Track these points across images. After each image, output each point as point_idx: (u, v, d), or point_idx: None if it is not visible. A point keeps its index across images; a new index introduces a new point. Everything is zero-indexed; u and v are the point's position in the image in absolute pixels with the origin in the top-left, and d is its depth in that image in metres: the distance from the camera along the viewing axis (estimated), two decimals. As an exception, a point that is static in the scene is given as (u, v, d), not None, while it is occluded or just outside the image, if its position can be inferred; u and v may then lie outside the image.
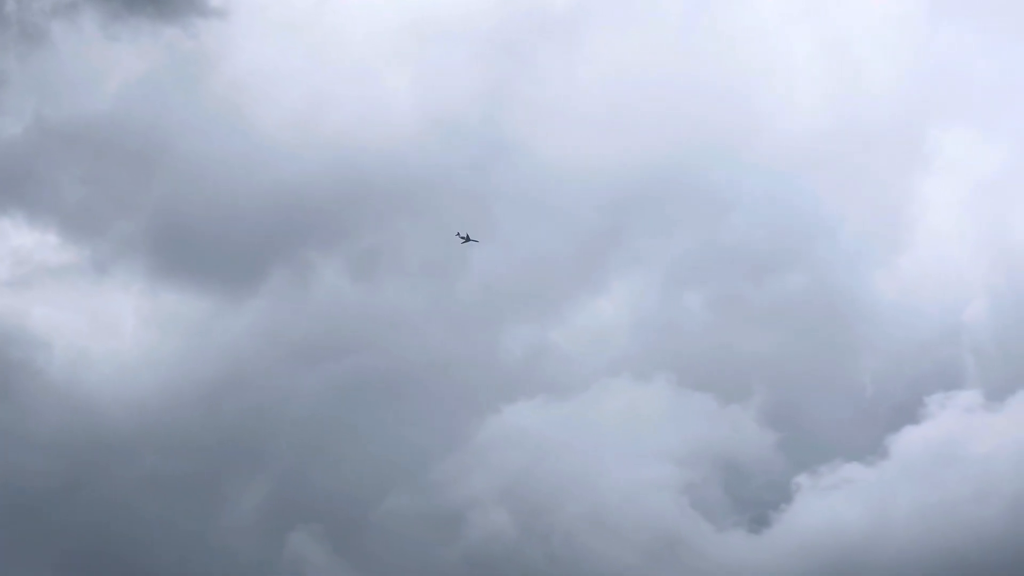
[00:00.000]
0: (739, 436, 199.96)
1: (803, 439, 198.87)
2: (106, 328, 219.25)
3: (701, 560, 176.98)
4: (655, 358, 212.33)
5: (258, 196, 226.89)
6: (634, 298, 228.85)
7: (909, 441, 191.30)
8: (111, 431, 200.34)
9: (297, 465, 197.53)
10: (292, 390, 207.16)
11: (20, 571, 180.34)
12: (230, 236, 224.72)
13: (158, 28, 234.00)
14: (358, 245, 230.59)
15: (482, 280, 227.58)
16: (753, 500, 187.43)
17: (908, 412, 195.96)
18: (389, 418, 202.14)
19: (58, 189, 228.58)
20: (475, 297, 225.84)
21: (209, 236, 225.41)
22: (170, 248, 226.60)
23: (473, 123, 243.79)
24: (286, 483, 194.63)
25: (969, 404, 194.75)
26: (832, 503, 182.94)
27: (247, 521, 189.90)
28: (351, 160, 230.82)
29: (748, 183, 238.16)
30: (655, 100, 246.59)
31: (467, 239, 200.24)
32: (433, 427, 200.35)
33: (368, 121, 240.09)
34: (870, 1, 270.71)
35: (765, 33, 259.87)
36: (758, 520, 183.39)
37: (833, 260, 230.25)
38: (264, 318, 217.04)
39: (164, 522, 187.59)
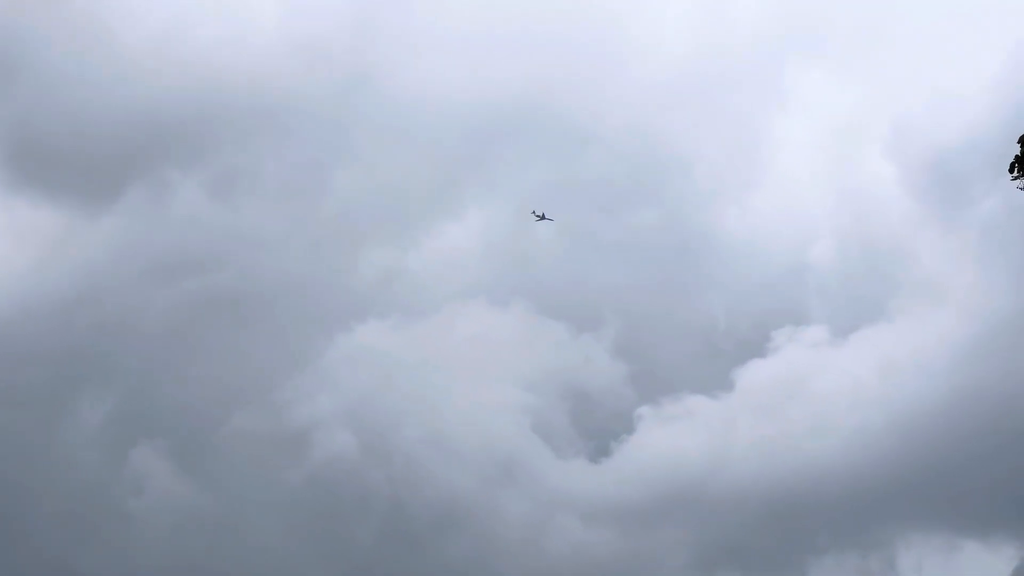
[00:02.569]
0: (590, 366, 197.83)
1: (652, 371, 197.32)
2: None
3: (540, 486, 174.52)
4: (510, 285, 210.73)
5: (118, 112, 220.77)
6: (490, 226, 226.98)
7: (754, 375, 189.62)
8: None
9: (145, 381, 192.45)
10: (145, 306, 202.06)
11: None
12: (88, 151, 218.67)
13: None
14: (217, 165, 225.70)
15: (341, 204, 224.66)
16: (597, 429, 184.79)
17: (755, 347, 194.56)
18: (240, 337, 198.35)
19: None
20: (334, 220, 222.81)
21: (66, 151, 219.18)
22: (26, 161, 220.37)
23: (337, 49, 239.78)
24: (132, 398, 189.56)
25: (814, 340, 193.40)
26: (674, 434, 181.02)
27: (91, 435, 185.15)
28: (213, 81, 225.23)
29: (608, 118, 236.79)
30: (520, 32, 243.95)
31: (543, 217, 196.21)
32: (283, 346, 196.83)
33: (232, 42, 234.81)
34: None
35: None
36: (599, 449, 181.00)
37: (686, 197, 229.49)
38: (120, 234, 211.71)
39: (8, 432, 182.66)
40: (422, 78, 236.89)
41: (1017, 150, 35.31)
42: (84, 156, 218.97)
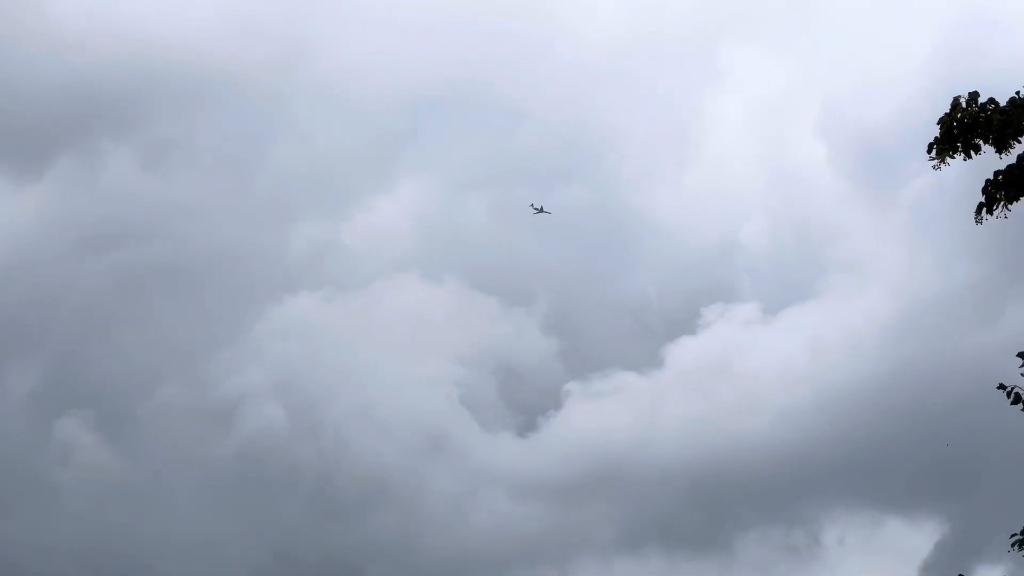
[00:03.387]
0: (520, 341, 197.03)
1: (582, 347, 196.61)
2: None
3: (468, 460, 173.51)
4: (443, 260, 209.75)
5: (49, 83, 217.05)
6: (422, 201, 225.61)
7: (684, 352, 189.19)
8: None
9: (72, 351, 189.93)
10: (74, 277, 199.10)
11: None
12: (19, 122, 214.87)
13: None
14: (150, 136, 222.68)
15: (275, 177, 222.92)
16: (526, 405, 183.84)
17: (684, 324, 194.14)
18: (170, 308, 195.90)
19: None
20: (267, 193, 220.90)
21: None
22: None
23: (273, 22, 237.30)
24: (60, 369, 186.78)
25: (744, 317, 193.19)
26: (602, 410, 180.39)
27: (17, 405, 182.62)
28: (148, 52, 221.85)
29: (541, 95, 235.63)
30: (455, 9, 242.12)
31: (540, 210, 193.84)
32: (214, 319, 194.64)
33: (167, 14, 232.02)
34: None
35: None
36: (527, 424, 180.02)
37: (619, 175, 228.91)
38: (50, 203, 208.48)
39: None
40: (357, 53, 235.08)
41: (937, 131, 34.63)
42: (15, 126, 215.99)
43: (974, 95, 34.09)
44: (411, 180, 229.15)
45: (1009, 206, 34.61)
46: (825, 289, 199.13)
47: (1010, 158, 34.86)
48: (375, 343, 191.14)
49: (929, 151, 35.03)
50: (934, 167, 34.60)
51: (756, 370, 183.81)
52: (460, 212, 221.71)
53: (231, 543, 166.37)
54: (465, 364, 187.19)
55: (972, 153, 34.74)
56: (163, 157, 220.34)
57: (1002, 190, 34.55)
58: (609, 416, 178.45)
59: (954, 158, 35.03)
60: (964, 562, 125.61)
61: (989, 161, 35.38)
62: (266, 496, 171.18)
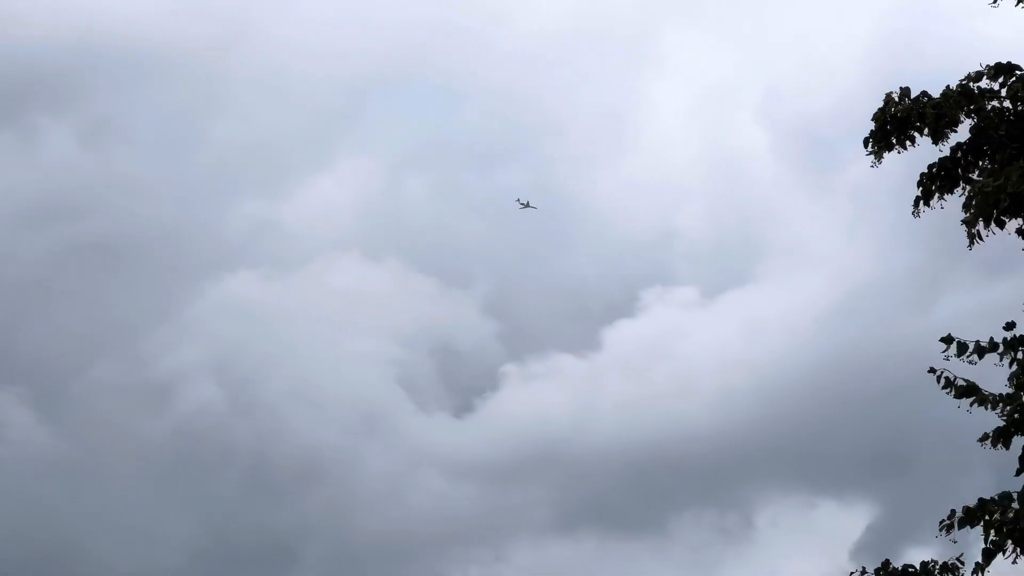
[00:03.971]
0: (459, 322, 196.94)
1: (520, 329, 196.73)
2: None
3: (403, 440, 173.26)
4: (383, 240, 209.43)
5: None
6: (362, 180, 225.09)
7: (622, 335, 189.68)
8: None
9: (7, 327, 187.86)
10: (11, 252, 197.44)
11: None
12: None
13: None
14: (89, 112, 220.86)
15: (215, 154, 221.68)
16: (463, 386, 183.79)
17: (623, 307, 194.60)
18: (107, 285, 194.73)
19: None
20: (206, 170, 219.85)
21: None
22: None
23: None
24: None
25: (683, 301, 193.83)
26: (539, 392, 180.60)
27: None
28: (87, 27, 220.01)
29: (483, 77, 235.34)
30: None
31: (527, 205, 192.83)
32: (150, 296, 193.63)
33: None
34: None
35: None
36: (464, 406, 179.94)
37: (559, 158, 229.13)
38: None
39: None
40: (299, 32, 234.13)
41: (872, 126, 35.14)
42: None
43: (905, 90, 34.50)
44: (352, 160, 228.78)
45: (945, 197, 35.04)
46: (763, 274, 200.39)
47: (945, 150, 35.27)
48: (313, 322, 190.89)
49: (865, 146, 35.46)
50: (871, 164, 35.07)
51: (693, 353, 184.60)
52: (400, 193, 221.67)
53: (165, 521, 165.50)
54: (403, 344, 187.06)
55: (907, 145, 35.12)
56: (101, 134, 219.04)
57: (937, 182, 34.95)
58: (546, 398, 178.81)
59: (890, 152, 35.43)
60: (894, 544, 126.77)
61: (926, 151, 35.84)
62: (201, 474, 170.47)
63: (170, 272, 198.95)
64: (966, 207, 32.74)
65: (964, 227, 33.19)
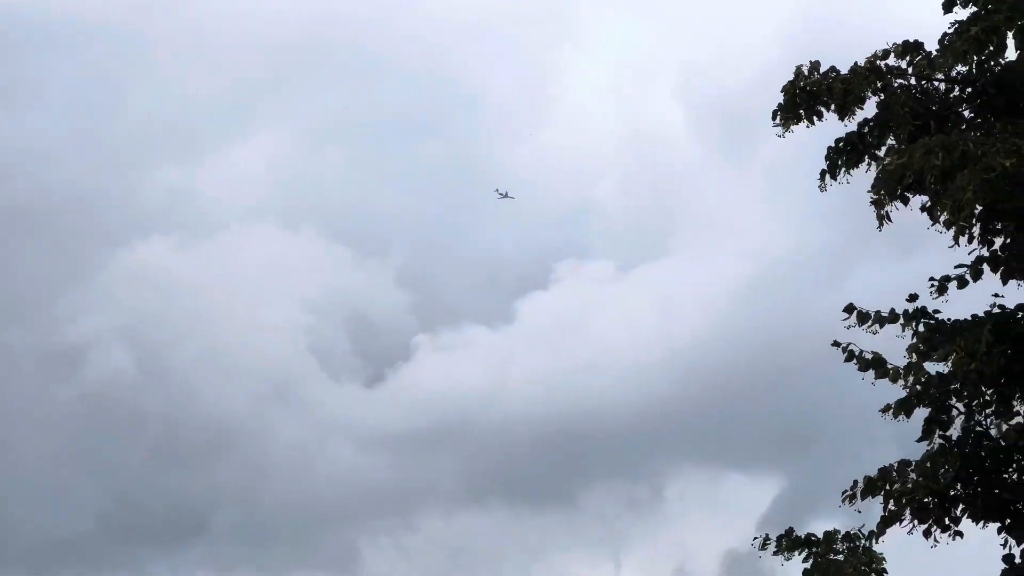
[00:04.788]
0: (373, 293, 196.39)
1: (434, 300, 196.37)
2: None
3: (314, 409, 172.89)
4: (300, 209, 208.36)
5: None
6: (280, 149, 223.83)
7: (535, 307, 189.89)
8: None
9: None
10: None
11: None
12: None
13: None
14: (2, 74, 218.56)
15: (132, 119, 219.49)
16: (375, 356, 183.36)
17: (537, 279, 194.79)
18: (19, 250, 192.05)
19: None
20: (123, 136, 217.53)
21: None
22: None
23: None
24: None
25: (597, 275, 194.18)
26: (451, 364, 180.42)
27: None
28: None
29: (403, 49, 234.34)
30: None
31: (505, 195, 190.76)
32: (63, 261, 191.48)
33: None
34: None
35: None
36: (375, 376, 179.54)
37: (476, 131, 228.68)
38: None
39: None
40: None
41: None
42: None
43: (815, 64, 34.89)
44: (270, 129, 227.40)
45: (850, 172, 35.46)
46: (678, 249, 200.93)
47: (852, 125, 35.69)
48: (226, 290, 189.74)
49: (774, 118, 35.84)
50: (779, 135, 35.47)
51: (607, 327, 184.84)
52: (317, 163, 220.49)
53: (74, 488, 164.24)
54: (316, 314, 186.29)
55: (815, 120, 35.53)
56: (15, 98, 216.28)
57: (843, 156, 35.40)
58: (458, 369, 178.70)
59: (798, 125, 35.81)
60: (801, 516, 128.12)
61: (840, 127, 36.27)
62: (111, 442, 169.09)
63: (82, 238, 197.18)
64: (874, 186, 33.22)
65: (873, 207, 33.62)
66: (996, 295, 33.43)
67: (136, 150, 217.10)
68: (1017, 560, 32.49)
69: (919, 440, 33.19)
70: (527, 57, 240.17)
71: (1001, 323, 32.62)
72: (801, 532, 34.17)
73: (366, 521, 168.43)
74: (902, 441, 34.53)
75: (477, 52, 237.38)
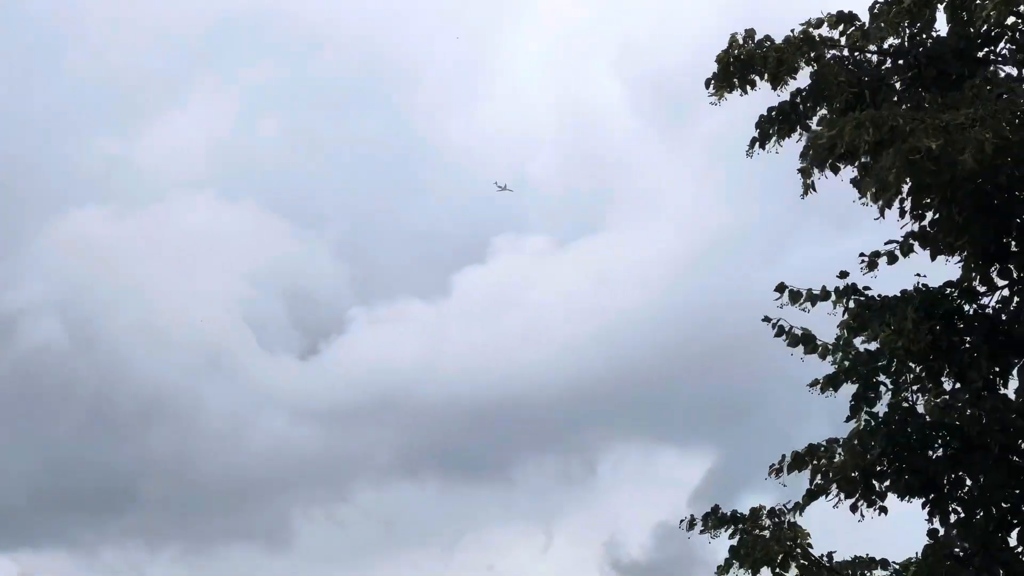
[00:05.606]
0: (310, 265, 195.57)
1: (371, 273, 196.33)
2: None
3: (247, 380, 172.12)
4: (237, 180, 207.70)
5: None
6: (218, 120, 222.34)
7: (471, 281, 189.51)
8: None
9: None
10: None
11: None
12: None
13: None
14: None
15: (68, 89, 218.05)
16: (310, 328, 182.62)
17: (473, 253, 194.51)
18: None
19: None
20: (58, 105, 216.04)
21: None
22: None
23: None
24: None
25: (533, 249, 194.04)
26: (386, 337, 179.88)
27: None
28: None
29: (341, 22, 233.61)
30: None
31: (504, 188, 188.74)
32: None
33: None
34: None
35: None
36: (309, 348, 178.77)
37: (414, 105, 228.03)
38: None
39: None
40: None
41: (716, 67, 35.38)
42: None
43: (750, 32, 34.57)
44: (208, 100, 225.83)
45: (781, 142, 35.21)
46: (615, 224, 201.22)
47: (785, 95, 35.45)
48: (162, 260, 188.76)
49: (707, 86, 35.52)
50: (712, 103, 35.21)
51: (543, 301, 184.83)
52: (255, 135, 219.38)
53: (4, 458, 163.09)
54: (252, 285, 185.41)
55: (748, 89, 35.24)
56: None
57: (775, 126, 35.13)
58: (393, 342, 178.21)
59: (731, 94, 35.55)
60: (732, 491, 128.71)
61: (775, 100, 36.06)
62: (42, 411, 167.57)
63: (15, 206, 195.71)
64: (803, 156, 32.98)
65: (800, 175, 33.44)
66: (918, 274, 33.37)
67: (72, 119, 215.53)
68: (940, 535, 32.47)
69: (847, 420, 33.12)
70: (466, 31, 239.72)
71: (927, 300, 32.48)
72: (735, 505, 34.04)
73: (299, 492, 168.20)
74: (835, 417, 34.42)
75: (416, 25, 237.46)
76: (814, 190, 32.81)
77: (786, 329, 33.73)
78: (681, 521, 33.25)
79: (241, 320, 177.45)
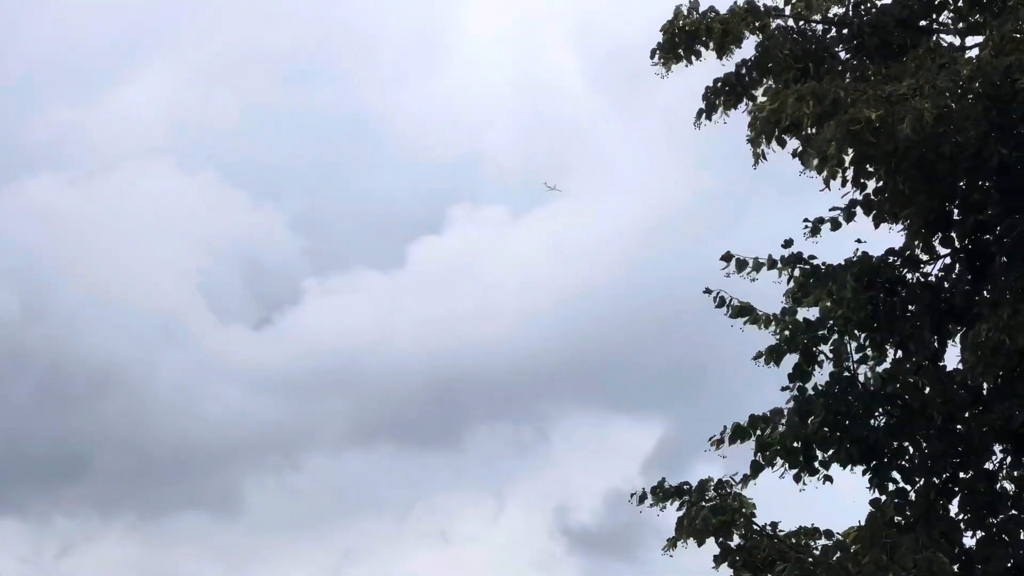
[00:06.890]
0: (266, 236, 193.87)
1: (326, 244, 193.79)
2: None
3: (201, 350, 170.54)
4: (192, 151, 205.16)
5: None
6: (174, 91, 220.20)
7: (427, 252, 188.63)
8: None
9: None
10: None
11: None
12: None
13: None
14: None
15: (22, 58, 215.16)
16: (263, 298, 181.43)
17: (429, 224, 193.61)
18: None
19: None
20: (12, 73, 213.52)
21: None
22: None
23: None
24: None
25: (489, 219, 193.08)
26: (340, 307, 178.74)
27: None
28: None
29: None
30: None
31: (554, 188, 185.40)
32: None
33: None
34: None
35: None
36: (263, 319, 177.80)
37: (369, 76, 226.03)
38: None
39: None
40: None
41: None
42: None
43: (695, 3, 34.57)
44: (163, 68, 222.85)
45: (728, 113, 35.24)
46: (571, 195, 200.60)
47: (730, 65, 35.48)
48: (117, 230, 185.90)
49: (652, 57, 35.48)
50: (658, 74, 35.18)
51: (498, 272, 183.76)
52: (211, 104, 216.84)
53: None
54: (207, 255, 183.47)
55: (694, 59, 35.24)
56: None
57: (721, 97, 35.15)
58: (347, 313, 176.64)
59: (678, 64, 35.56)
60: (684, 459, 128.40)
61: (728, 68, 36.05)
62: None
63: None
64: (750, 127, 33.02)
65: (749, 146, 33.49)
66: (859, 240, 33.48)
67: (26, 85, 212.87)
68: (882, 503, 32.71)
69: (784, 388, 33.20)
70: (421, 4, 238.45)
71: (868, 268, 32.61)
72: (687, 474, 34.06)
73: (251, 461, 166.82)
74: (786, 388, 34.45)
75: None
76: (765, 159, 32.80)
77: (727, 300, 33.67)
78: (632, 495, 33.08)
79: (196, 290, 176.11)
